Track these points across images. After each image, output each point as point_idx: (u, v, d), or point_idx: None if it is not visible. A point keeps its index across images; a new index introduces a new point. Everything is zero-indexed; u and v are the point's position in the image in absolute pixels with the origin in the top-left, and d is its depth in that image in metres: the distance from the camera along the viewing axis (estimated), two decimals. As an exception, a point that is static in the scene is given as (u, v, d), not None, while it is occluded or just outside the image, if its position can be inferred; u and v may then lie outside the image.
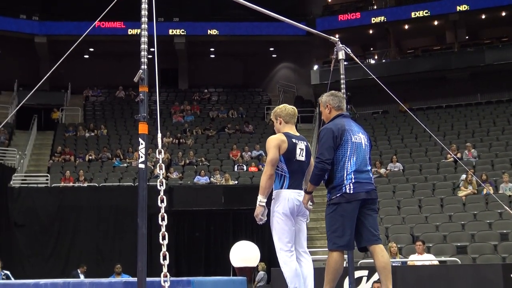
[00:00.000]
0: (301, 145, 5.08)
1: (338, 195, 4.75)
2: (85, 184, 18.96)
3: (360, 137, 4.93)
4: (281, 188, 5.04)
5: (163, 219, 3.83)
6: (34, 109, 24.45)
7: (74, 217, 17.83)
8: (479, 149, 19.42)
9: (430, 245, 13.58)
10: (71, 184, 18.99)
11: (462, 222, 14.79)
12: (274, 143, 4.99)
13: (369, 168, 4.96)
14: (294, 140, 5.05)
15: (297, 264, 4.99)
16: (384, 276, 4.75)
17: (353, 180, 4.74)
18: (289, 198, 4.99)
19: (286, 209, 4.99)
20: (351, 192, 4.72)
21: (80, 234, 17.63)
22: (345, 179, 4.75)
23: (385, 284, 4.72)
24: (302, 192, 5.03)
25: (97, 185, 18.97)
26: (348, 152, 4.80)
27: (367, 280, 9.41)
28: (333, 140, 4.77)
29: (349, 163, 4.78)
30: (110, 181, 19.47)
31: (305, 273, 5.04)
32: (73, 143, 23.11)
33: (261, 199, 4.96)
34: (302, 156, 5.08)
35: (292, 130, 5.17)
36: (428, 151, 20.27)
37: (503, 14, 27.64)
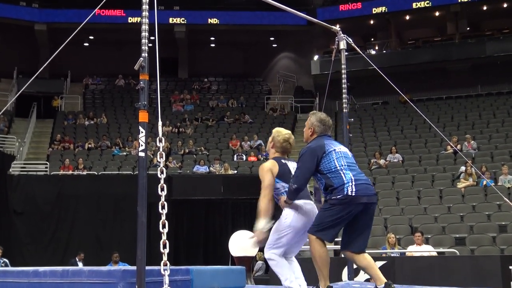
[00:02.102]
0: (292, 164, 5.06)
1: (339, 196, 4.63)
2: (84, 172, 18.96)
3: (342, 147, 4.97)
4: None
5: (163, 207, 3.82)
6: (33, 96, 24.43)
7: (73, 205, 17.85)
8: (478, 140, 19.41)
9: (429, 236, 13.60)
10: (70, 172, 18.99)
11: (461, 214, 14.80)
12: (266, 168, 4.94)
13: (363, 173, 4.92)
14: (283, 161, 5.02)
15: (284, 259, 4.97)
16: (375, 270, 4.72)
17: (353, 182, 4.65)
18: (304, 207, 4.88)
19: (299, 223, 4.87)
20: (353, 194, 4.61)
21: (79, 222, 17.66)
22: (345, 180, 4.67)
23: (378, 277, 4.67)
24: (311, 202, 4.98)
25: (96, 173, 18.98)
26: (335, 157, 4.78)
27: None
28: (315, 159, 4.75)
29: (341, 166, 4.73)
30: (109, 169, 19.47)
31: (294, 266, 5.04)
32: (73, 131, 23.10)
33: (264, 225, 4.83)
34: None
35: (282, 156, 5.13)
36: (427, 143, 20.27)
37: (505, 5, 27.54)
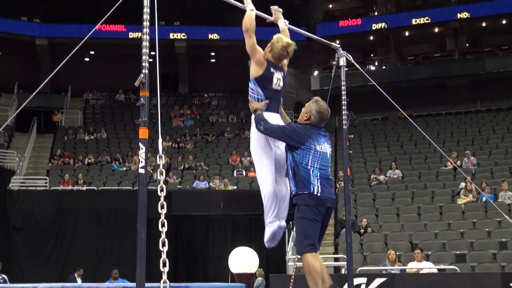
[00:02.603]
0: (278, 75, 5.16)
1: (305, 192, 4.81)
2: (84, 188, 18.92)
3: (324, 147, 5.03)
4: None
5: (163, 225, 3.81)
6: (34, 111, 24.44)
7: (72, 221, 17.78)
8: (478, 157, 19.41)
9: (429, 252, 13.56)
10: (70, 187, 18.95)
11: (461, 230, 14.76)
12: (260, 52, 5.07)
13: (332, 178, 5.07)
14: (271, 70, 5.11)
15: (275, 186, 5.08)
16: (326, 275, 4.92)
17: (319, 181, 4.83)
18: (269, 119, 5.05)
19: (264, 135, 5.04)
20: (319, 195, 4.80)
21: (79, 238, 17.58)
22: (311, 176, 4.84)
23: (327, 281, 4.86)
24: (278, 115, 5.18)
25: (96, 188, 18.93)
26: (311, 158, 4.89)
27: (366, 287, 9.38)
28: (290, 139, 4.91)
29: (312, 167, 4.87)
30: (109, 184, 19.43)
31: (283, 193, 5.15)
32: (73, 146, 23.09)
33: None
34: (279, 85, 5.18)
35: (275, 61, 5.18)
36: (427, 158, 20.26)
37: (504, 22, 27.69)
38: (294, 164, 4.90)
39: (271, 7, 5.68)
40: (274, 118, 5.09)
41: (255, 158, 5.17)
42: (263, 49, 5.18)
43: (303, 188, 4.82)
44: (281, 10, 5.69)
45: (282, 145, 5.12)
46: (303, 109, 5.16)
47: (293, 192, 4.93)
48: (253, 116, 5.11)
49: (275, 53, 5.14)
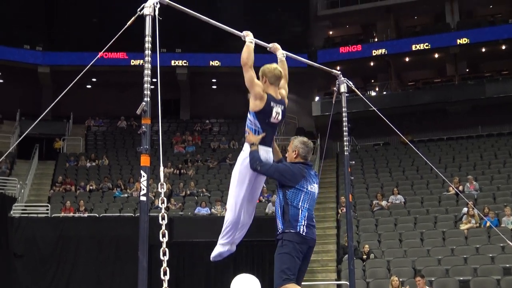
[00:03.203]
0: (277, 108, 5.21)
1: (292, 231, 4.95)
2: (86, 215, 18.88)
3: (314, 187, 5.17)
4: None
5: (164, 254, 3.80)
6: (35, 138, 24.47)
7: (74, 248, 17.69)
8: (480, 182, 19.36)
9: (432, 279, 13.46)
10: (71, 214, 18.90)
11: (465, 256, 14.68)
12: (259, 86, 5.12)
13: (314, 219, 5.22)
14: (272, 104, 5.16)
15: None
16: None
17: (306, 222, 4.99)
18: (263, 155, 5.14)
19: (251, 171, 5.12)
20: (304, 234, 4.98)
21: (80, 265, 17.48)
22: (299, 215, 4.99)
23: None
24: (270, 150, 5.27)
25: (97, 215, 18.88)
26: (302, 197, 5.03)
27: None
28: (284, 178, 5.04)
29: (302, 207, 5.02)
30: (111, 211, 19.39)
31: (245, 222, 5.41)
32: (74, 173, 23.09)
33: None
34: (277, 119, 5.25)
35: (274, 92, 5.25)
36: (429, 184, 20.21)
37: (503, 47, 27.85)
38: (284, 203, 5.02)
39: (268, 46, 5.76)
40: (265, 152, 5.19)
41: (232, 183, 5.24)
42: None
43: (290, 227, 4.96)
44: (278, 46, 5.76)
45: (262, 180, 5.37)
46: (288, 149, 5.29)
47: (279, 230, 5.04)
48: (246, 145, 5.18)
49: (270, 78, 5.20)
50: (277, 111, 5.19)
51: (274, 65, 5.29)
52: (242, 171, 5.15)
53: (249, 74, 5.09)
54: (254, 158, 5.03)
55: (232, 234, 5.36)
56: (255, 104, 5.12)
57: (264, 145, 5.18)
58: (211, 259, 5.74)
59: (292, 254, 4.91)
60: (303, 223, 4.96)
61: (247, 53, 5.14)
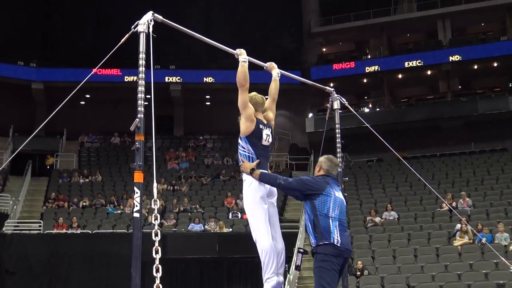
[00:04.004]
0: (267, 131, 5.31)
1: (326, 242, 4.89)
2: (78, 231, 18.79)
3: (341, 194, 5.22)
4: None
5: (157, 270, 3.79)
6: (29, 154, 24.41)
7: (66, 264, 17.61)
8: (474, 198, 19.39)
9: (426, 295, 13.44)
10: (64, 230, 18.81)
11: (458, 272, 14.66)
12: (251, 109, 5.25)
13: (347, 228, 5.29)
14: (261, 126, 5.26)
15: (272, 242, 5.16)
16: None
17: (339, 231, 4.94)
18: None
19: (261, 192, 5.14)
20: (339, 245, 4.90)
21: (73, 282, 17.38)
22: (331, 225, 4.93)
23: None
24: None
25: (90, 232, 18.81)
26: (331, 205, 5.01)
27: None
28: (309, 189, 5.05)
29: (333, 213, 4.98)
30: (104, 228, 19.31)
31: (279, 248, 5.22)
32: (67, 189, 23.00)
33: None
34: (268, 141, 5.32)
35: (260, 116, 5.36)
36: (423, 200, 20.23)
37: (495, 64, 28.06)
38: (313, 215, 4.98)
39: (265, 65, 5.85)
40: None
41: (250, 215, 5.20)
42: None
43: (323, 238, 4.91)
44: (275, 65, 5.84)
45: (275, 201, 5.36)
46: (316, 168, 5.42)
47: (313, 245, 5.00)
48: (244, 175, 5.21)
49: (255, 105, 5.35)
50: (267, 133, 5.28)
51: (253, 93, 5.39)
52: (252, 194, 5.15)
53: (243, 96, 5.17)
54: (272, 176, 5.17)
55: (273, 263, 5.15)
56: (246, 127, 5.19)
57: (261, 169, 5.20)
58: None
59: (328, 267, 4.87)
60: (336, 233, 4.91)
61: (243, 74, 5.20)
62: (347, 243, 5.00)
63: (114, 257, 17.11)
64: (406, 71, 28.66)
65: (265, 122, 5.35)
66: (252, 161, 5.18)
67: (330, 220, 4.93)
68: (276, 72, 5.75)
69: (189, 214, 20.41)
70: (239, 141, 5.26)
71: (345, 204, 5.20)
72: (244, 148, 5.22)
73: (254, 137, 5.19)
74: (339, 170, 7.05)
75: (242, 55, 5.31)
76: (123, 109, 25.60)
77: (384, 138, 7.30)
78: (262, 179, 5.11)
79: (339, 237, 4.90)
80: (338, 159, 7.01)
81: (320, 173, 5.28)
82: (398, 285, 14.47)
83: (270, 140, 5.34)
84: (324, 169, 5.27)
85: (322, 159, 5.38)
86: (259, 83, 5.51)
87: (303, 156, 27.03)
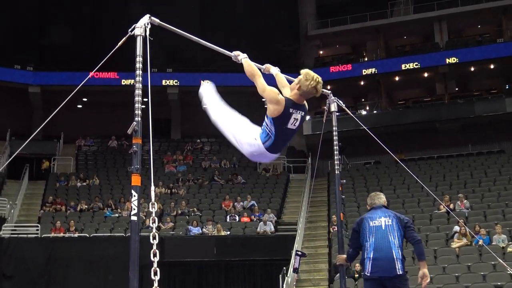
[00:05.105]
0: (297, 115, 4.96)
1: (364, 272, 5.84)
2: (76, 235, 18.77)
3: (380, 221, 5.83)
4: (263, 143, 5.00)
5: (155, 273, 3.79)
6: (26, 158, 24.36)
7: (64, 268, 17.57)
8: (471, 200, 19.41)
9: (424, 297, 13.41)
10: (61, 234, 18.78)
11: (456, 274, 14.67)
12: (272, 91, 4.89)
13: (393, 245, 5.69)
14: (291, 110, 4.91)
15: None
16: None
17: (371, 261, 5.68)
18: (261, 152, 5.05)
19: (253, 145, 5.06)
20: (369, 274, 5.72)
21: (70, 286, 17.33)
22: (366, 257, 5.75)
23: None
24: (277, 156, 5.24)
25: (87, 235, 18.78)
26: (367, 235, 5.79)
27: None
28: (354, 231, 6.03)
29: (368, 244, 5.75)
30: (101, 231, 19.28)
31: None
32: (65, 193, 22.97)
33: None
34: (294, 125, 5.00)
35: (298, 99, 4.98)
36: (420, 202, 20.24)
37: (491, 66, 28.13)
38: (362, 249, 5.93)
39: (262, 68, 5.68)
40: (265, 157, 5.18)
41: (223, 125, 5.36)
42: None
43: (363, 269, 5.84)
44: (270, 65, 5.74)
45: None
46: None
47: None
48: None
49: (303, 92, 4.95)
50: (295, 117, 4.95)
51: (313, 81, 4.96)
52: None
53: (259, 83, 4.94)
54: (348, 255, 6.27)
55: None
56: (272, 110, 4.89)
57: (274, 151, 5.05)
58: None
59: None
60: (368, 264, 5.75)
61: (249, 67, 5.10)
62: (384, 270, 5.63)
63: (112, 260, 17.08)
64: (403, 73, 28.70)
65: (299, 103, 4.99)
66: (268, 139, 4.98)
67: (365, 253, 5.74)
68: (274, 69, 5.59)
69: (187, 217, 20.40)
70: (265, 118, 4.99)
71: (383, 228, 5.79)
72: (267, 126, 4.97)
73: (281, 120, 4.90)
74: (336, 173, 7.05)
75: (239, 55, 5.27)
76: (120, 113, 25.59)
77: (382, 141, 7.30)
78: (350, 259, 6.33)
79: (370, 267, 5.68)
80: (336, 162, 7.02)
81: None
82: None
83: (298, 124, 5.01)
84: (368, 205, 6.10)
85: (368, 200, 6.17)
86: (254, 86, 5.46)
87: (300, 158, 27.03)
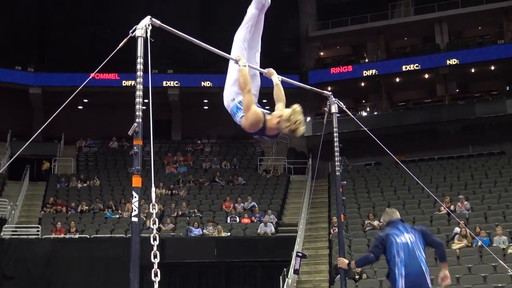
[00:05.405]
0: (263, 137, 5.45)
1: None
2: (76, 236, 18.77)
3: (405, 237, 5.92)
4: (234, 114, 5.41)
5: (156, 275, 3.79)
6: (26, 159, 24.36)
7: (64, 269, 17.58)
8: (472, 201, 19.40)
9: (425, 298, 13.40)
10: (62, 235, 18.79)
11: (457, 276, 14.65)
12: (258, 119, 5.09)
13: (420, 261, 5.80)
14: (258, 136, 5.37)
15: None
16: None
17: (404, 277, 5.71)
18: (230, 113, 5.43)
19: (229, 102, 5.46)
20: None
21: (71, 286, 17.35)
22: (397, 274, 5.74)
23: None
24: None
25: (88, 236, 18.78)
26: (395, 250, 5.82)
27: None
28: (380, 246, 6.01)
29: (398, 259, 5.77)
30: (102, 232, 19.29)
31: None
32: (65, 194, 22.97)
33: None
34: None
35: (271, 131, 5.23)
36: (421, 203, 20.23)
37: (492, 68, 28.12)
38: (388, 268, 5.90)
39: (264, 72, 5.74)
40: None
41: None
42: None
43: (395, 285, 5.78)
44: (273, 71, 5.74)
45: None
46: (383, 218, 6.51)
47: None
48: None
49: (280, 129, 5.07)
50: (260, 138, 5.35)
51: (294, 126, 4.99)
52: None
53: (247, 97, 5.08)
54: (365, 258, 6.18)
55: None
56: (244, 124, 5.14)
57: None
58: None
59: None
60: (401, 282, 5.74)
61: (244, 78, 5.16)
62: (416, 285, 5.70)
63: (112, 261, 17.09)
64: (404, 74, 28.70)
65: (270, 134, 5.21)
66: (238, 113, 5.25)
67: (396, 270, 5.75)
68: (276, 77, 5.65)
69: (188, 218, 20.40)
70: (239, 105, 5.30)
71: (409, 244, 5.87)
72: (237, 107, 5.31)
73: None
74: (337, 174, 7.05)
75: (241, 60, 5.29)
76: (121, 114, 25.58)
77: (382, 142, 7.31)
78: (360, 264, 6.43)
79: (403, 283, 5.69)
80: (336, 163, 7.02)
81: (386, 225, 6.21)
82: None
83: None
84: (386, 221, 6.19)
85: (384, 216, 6.33)
86: (270, 87, 5.48)
87: (301, 160, 27.02)
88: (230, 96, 5.39)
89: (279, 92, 5.49)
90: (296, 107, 5.02)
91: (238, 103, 5.27)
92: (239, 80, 5.18)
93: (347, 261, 6.34)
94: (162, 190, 22.48)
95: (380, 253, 5.98)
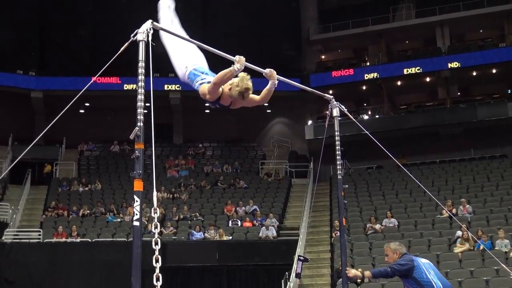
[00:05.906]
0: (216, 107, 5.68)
1: None
2: (78, 240, 18.77)
3: (424, 260, 6.23)
4: (193, 81, 5.74)
5: (158, 279, 3.78)
6: (28, 163, 24.36)
7: (66, 273, 17.58)
8: (474, 204, 19.36)
9: (427, 302, 13.37)
10: (63, 239, 18.78)
11: (459, 279, 14.63)
12: (215, 91, 5.34)
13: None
14: (214, 105, 5.68)
15: None
16: None
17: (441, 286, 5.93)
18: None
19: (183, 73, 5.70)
20: None
21: (72, 291, 17.35)
22: (435, 285, 5.91)
23: None
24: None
25: (90, 240, 18.78)
26: (425, 269, 6.02)
27: None
28: (410, 269, 6.05)
29: (431, 276, 5.96)
30: (103, 236, 19.28)
31: None
32: (67, 198, 22.98)
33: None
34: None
35: (225, 101, 5.47)
36: (423, 207, 20.21)
37: (494, 71, 28.12)
38: (419, 286, 5.96)
39: (264, 72, 5.61)
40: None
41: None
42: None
43: None
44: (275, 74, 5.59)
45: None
46: (389, 256, 6.31)
47: None
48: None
49: (231, 95, 5.24)
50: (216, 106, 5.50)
51: (243, 88, 5.17)
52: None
53: (211, 86, 5.26)
54: (383, 271, 6.23)
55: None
56: (204, 92, 5.40)
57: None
58: None
59: None
60: None
61: (222, 73, 5.13)
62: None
63: (114, 265, 17.08)
64: (405, 78, 28.69)
65: (224, 104, 5.42)
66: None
67: (433, 283, 5.90)
68: (273, 83, 5.48)
69: (189, 222, 20.39)
70: (194, 72, 5.60)
71: (432, 264, 6.18)
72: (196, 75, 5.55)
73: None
74: (338, 177, 7.04)
75: (239, 62, 5.12)
76: (122, 117, 25.61)
77: (384, 145, 7.29)
78: (377, 276, 6.44)
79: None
80: (338, 166, 7.01)
81: (399, 256, 6.22)
82: (399, 292, 14.43)
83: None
84: (402, 252, 6.25)
85: (396, 247, 6.27)
86: (260, 90, 5.46)
87: (302, 163, 27.01)
88: (181, 67, 5.60)
89: (266, 94, 5.49)
90: (245, 75, 5.19)
91: (194, 69, 5.52)
92: (220, 72, 5.16)
93: (360, 274, 6.33)
94: (164, 194, 22.47)
95: (401, 273, 6.10)
